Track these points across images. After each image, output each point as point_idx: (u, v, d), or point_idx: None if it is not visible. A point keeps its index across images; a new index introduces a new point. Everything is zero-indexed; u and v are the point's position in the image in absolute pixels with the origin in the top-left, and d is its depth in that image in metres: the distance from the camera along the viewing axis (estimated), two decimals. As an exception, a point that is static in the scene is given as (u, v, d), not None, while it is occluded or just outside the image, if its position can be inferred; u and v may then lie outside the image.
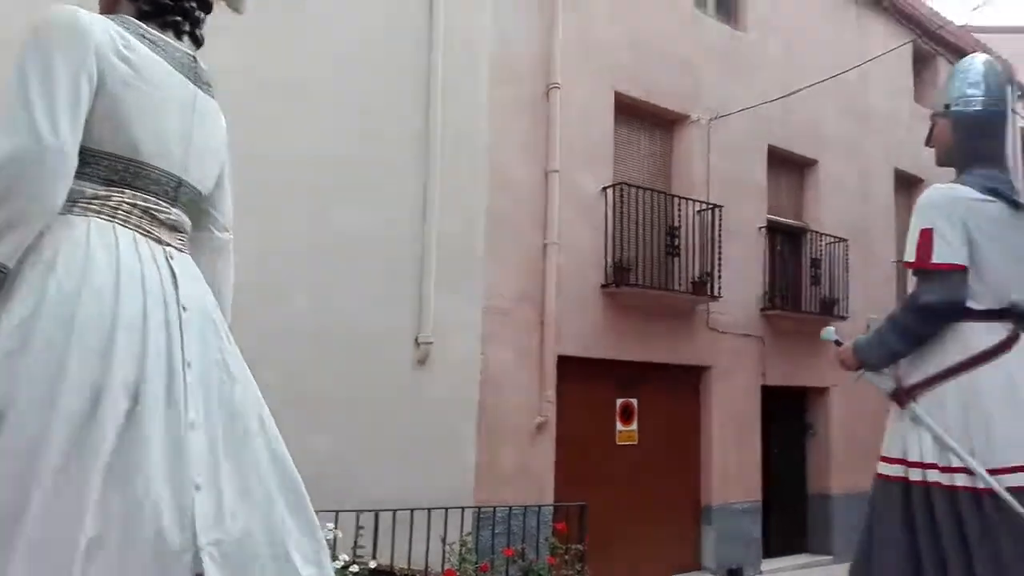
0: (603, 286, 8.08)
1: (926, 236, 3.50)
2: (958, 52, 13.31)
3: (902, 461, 3.35)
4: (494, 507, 6.63)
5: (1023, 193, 3.94)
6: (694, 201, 8.87)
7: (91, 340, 1.42)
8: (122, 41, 1.61)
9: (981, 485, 3.27)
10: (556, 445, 7.59)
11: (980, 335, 3.65)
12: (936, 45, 12.76)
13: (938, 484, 3.26)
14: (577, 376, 7.93)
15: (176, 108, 1.70)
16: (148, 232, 1.62)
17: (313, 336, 6.01)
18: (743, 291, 9.50)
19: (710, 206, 8.92)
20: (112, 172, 1.60)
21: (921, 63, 12.91)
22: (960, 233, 3.55)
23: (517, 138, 7.60)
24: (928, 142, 3.88)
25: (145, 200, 1.63)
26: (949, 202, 3.57)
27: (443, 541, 5.88)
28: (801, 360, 10.22)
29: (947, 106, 4.05)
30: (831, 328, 3.65)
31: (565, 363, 7.74)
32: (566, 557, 6.16)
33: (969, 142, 4.04)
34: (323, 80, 6.32)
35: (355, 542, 5.29)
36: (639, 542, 8.33)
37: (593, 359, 8.06)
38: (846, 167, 11.16)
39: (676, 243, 8.61)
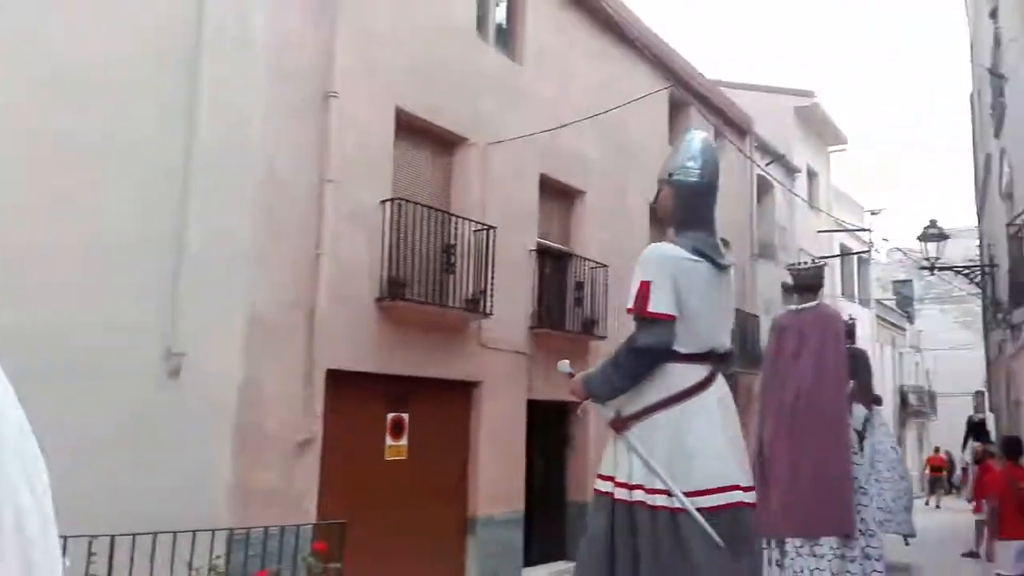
0: (378, 299, 8.04)
1: (644, 287, 4.10)
2: (707, 103, 14.93)
3: (611, 479, 3.85)
4: (248, 529, 6.31)
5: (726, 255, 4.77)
6: (471, 221, 9.11)
7: None
8: None
9: (678, 504, 3.79)
10: (322, 462, 7.38)
11: (685, 374, 4.28)
12: (689, 94, 14.21)
13: (641, 503, 3.76)
14: (348, 390, 7.79)
15: None
16: None
17: (47, 341, 5.39)
18: (513, 310, 9.89)
19: (485, 227, 9.21)
20: None
21: (676, 109, 14.29)
22: (670, 287, 4.17)
23: (293, 142, 7.39)
24: (654, 203, 4.57)
25: None
26: (664, 260, 4.25)
27: (189, 566, 5.50)
28: (564, 376, 10.78)
29: (670, 175, 4.78)
30: (565, 361, 4.03)
31: (336, 377, 7.58)
32: (324, 576, 6.00)
33: (685, 208, 4.76)
34: (86, 69, 5.78)
35: (86, 571, 4.80)
36: (404, 558, 8.30)
37: (365, 373, 7.97)
38: (609, 199, 12.04)
39: (452, 261, 8.79)
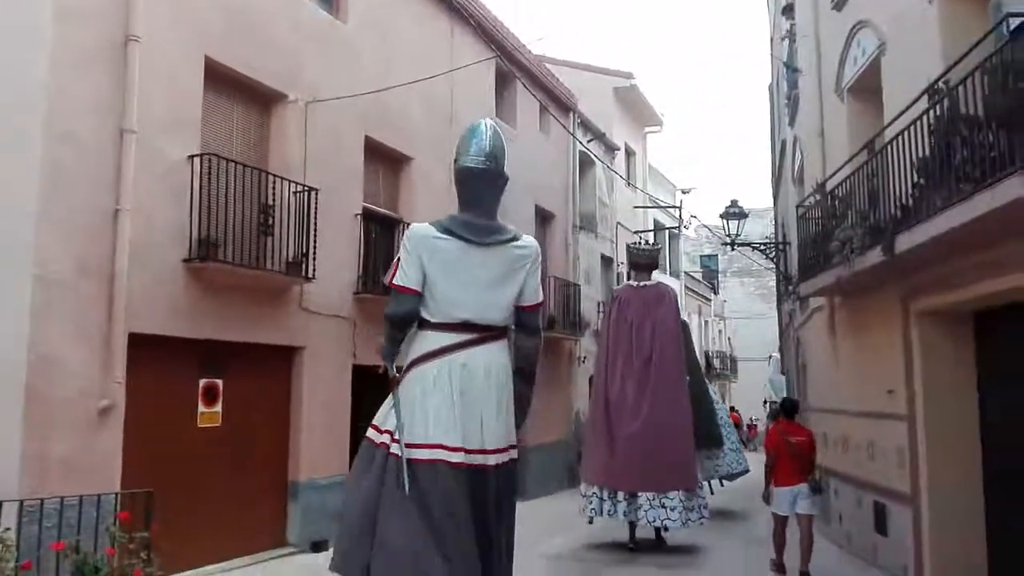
0: (186, 260, 7.55)
1: (396, 262, 4.65)
2: (532, 78, 15.22)
3: (376, 428, 4.53)
4: (42, 499, 5.80)
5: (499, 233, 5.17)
6: (291, 181, 8.76)
7: None
8: None
9: (397, 451, 4.44)
10: (126, 430, 6.87)
11: (432, 340, 4.82)
12: (514, 67, 14.42)
13: (385, 445, 4.44)
14: (154, 356, 7.29)
15: None
16: None
17: None
18: (337, 274, 9.66)
19: (306, 188, 8.89)
20: None
21: (502, 83, 14.47)
22: (415, 263, 4.64)
23: (86, 89, 6.73)
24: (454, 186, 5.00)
25: None
26: (414, 238, 4.68)
27: (-28, 542, 4.99)
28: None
29: (455, 159, 5.25)
30: (380, 337, 4.68)
31: (139, 342, 7.06)
32: (130, 547, 5.65)
33: (463, 190, 5.25)
34: None
35: None
36: (221, 525, 7.95)
37: (173, 338, 7.49)
38: (436, 166, 12.00)
39: (270, 222, 8.41)
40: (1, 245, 5.93)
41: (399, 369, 4.72)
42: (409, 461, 4.47)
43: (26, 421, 6.01)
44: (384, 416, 4.68)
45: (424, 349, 5.08)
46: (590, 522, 9.99)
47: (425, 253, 5.35)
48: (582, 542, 10.11)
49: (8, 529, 5.24)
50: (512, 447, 5.01)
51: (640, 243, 11.92)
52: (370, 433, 4.66)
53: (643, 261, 10.64)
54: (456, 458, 4.81)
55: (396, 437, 4.54)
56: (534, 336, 5.46)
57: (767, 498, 8.22)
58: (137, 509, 6.06)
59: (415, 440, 4.68)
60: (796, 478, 7.90)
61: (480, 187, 5.63)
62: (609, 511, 9.41)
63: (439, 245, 5.34)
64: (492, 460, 4.92)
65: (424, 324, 4.92)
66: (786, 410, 8.75)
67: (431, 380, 5.08)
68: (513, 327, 5.37)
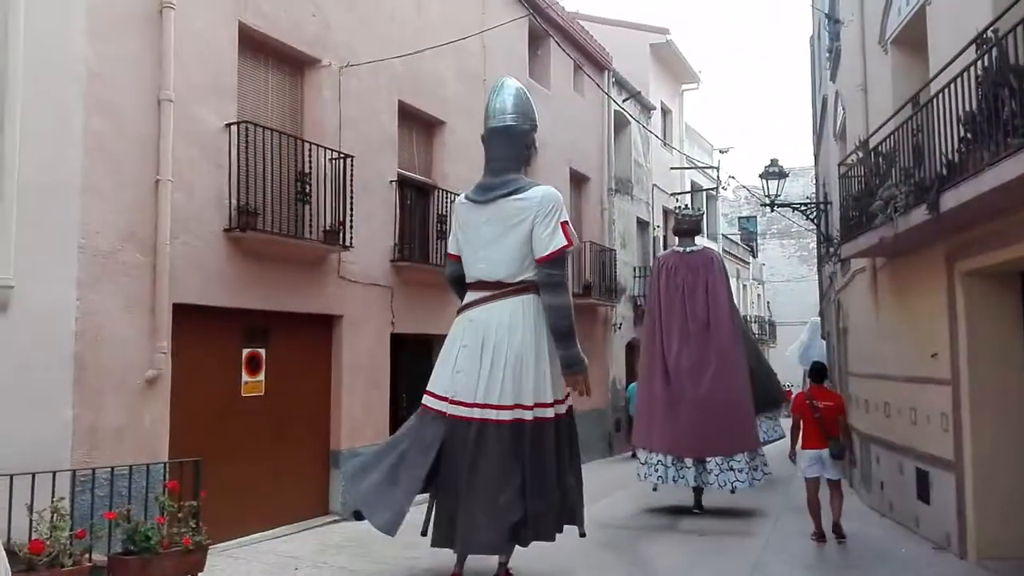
0: (227, 230, 7.65)
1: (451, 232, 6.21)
2: (565, 35, 14.99)
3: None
4: (93, 469, 5.99)
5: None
6: (326, 149, 8.79)
7: None
8: None
9: (427, 403, 6.00)
10: (173, 399, 7.05)
11: (467, 297, 5.99)
12: (548, 26, 14.21)
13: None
14: (198, 326, 7.44)
15: None
16: None
17: None
18: (374, 242, 9.72)
19: (342, 155, 8.92)
20: None
21: (535, 41, 14.28)
22: (454, 230, 6.10)
23: (124, 59, 6.79)
24: None
25: None
26: (456, 207, 6.17)
27: (30, 509, 5.19)
28: (428, 310, 10.79)
29: (485, 119, 6.21)
30: None
31: (183, 312, 7.20)
32: (179, 515, 5.83)
33: (485, 152, 6.23)
34: None
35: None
36: (265, 493, 8.16)
37: (216, 308, 7.62)
38: (470, 130, 11.91)
39: (307, 190, 8.46)
40: (47, 217, 6.04)
41: None
42: (422, 405, 5.84)
43: (76, 392, 6.18)
44: None
45: (460, 306, 6.16)
46: (655, 489, 10.10)
47: (457, 219, 6.21)
48: (624, 511, 10.17)
49: (62, 499, 5.40)
50: (528, 406, 5.59)
51: (683, 208, 12.02)
52: None
53: (687, 227, 10.83)
54: (437, 406, 5.85)
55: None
56: (553, 292, 5.69)
57: (793, 457, 8.55)
58: (185, 478, 6.23)
59: (428, 388, 5.97)
60: (819, 442, 8.09)
61: (496, 145, 6.47)
62: (675, 478, 9.53)
63: (460, 210, 6.15)
64: (479, 414, 5.55)
65: (466, 284, 6.05)
66: (815, 374, 8.95)
67: (451, 335, 6.07)
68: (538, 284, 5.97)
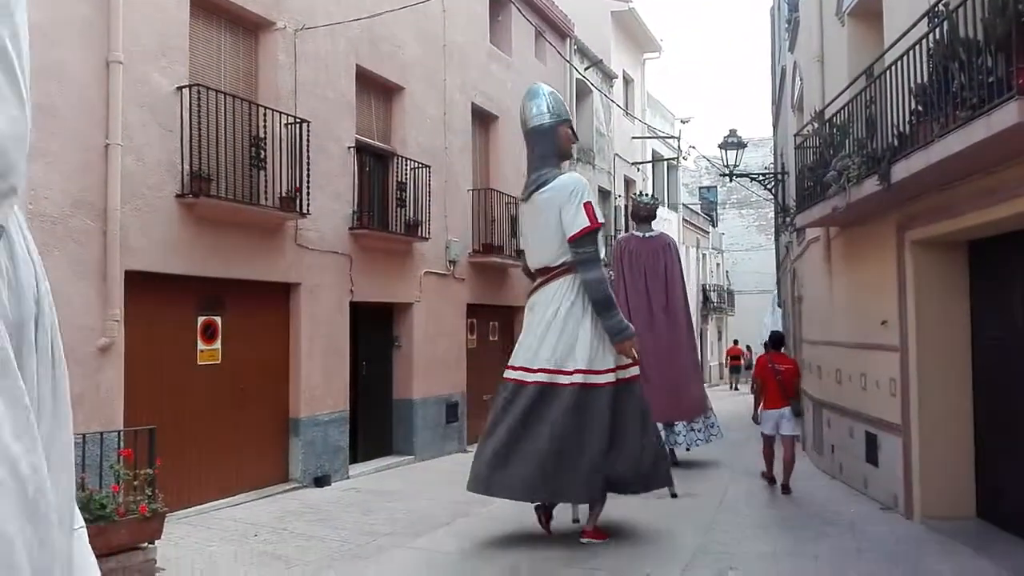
0: (179, 196, 7.49)
1: None
2: (527, 2, 14.80)
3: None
4: (45, 437, 5.87)
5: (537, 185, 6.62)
6: (282, 113, 8.62)
7: None
8: None
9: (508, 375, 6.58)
10: (127, 368, 6.94)
11: (531, 285, 6.71)
12: (508, -8, 14.02)
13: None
14: (151, 293, 7.31)
15: None
16: None
17: None
18: (332, 209, 9.60)
19: (298, 120, 8.76)
20: None
21: (496, 7, 14.09)
22: (522, 226, 6.84)
23: (70, 20, 6.56)
24: None
25: None
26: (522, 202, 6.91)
27: (-24, 481, 5.07)
28: (388, 278, 10.75)
29: (524, 122, 6.96)
30: None
31: (136, 279, 7.07)
32: (135, 484, 5.77)
33: (529, 151, 6.95)
34: None
35: None
36: (223, 461, 8.12)
37: (170, 275, 7.49)
38: (429, 97, 11.81)
39: (262, 156, 8.31)
40: (-10, 182, 5.85)
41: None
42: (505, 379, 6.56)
43: (25, 359, 6.03)
44: None
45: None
46: None
47: (521, 215, 7.24)
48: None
49: (14, 465, 5.30)
50: (572, 371, 6.33)
51: (641, 195, 13.00)
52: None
53: (644, 213, 11.81)
54: (525, 377, 6.51)
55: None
56: (586, 268, 6.40)
57: (756, 419, 9.28)
58: (140, 446, 6.16)
59: (510, 363, 6.62)
60: (781, 402, 8.91)
61: (533, 145, 6.86)
62: None
63: (521, 206, 7.15)
64: (531, 378, 6.43)
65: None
66: (773, 342, 9.85)
67: (525, 319, 6.80)
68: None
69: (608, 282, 6.67)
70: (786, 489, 8.71)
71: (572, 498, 6.62)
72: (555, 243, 6.48)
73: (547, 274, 6.60)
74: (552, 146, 6.77)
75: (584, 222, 6.37)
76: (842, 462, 9.41)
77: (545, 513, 6.63)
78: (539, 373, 6.36)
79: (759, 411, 9.11)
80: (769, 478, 9.16)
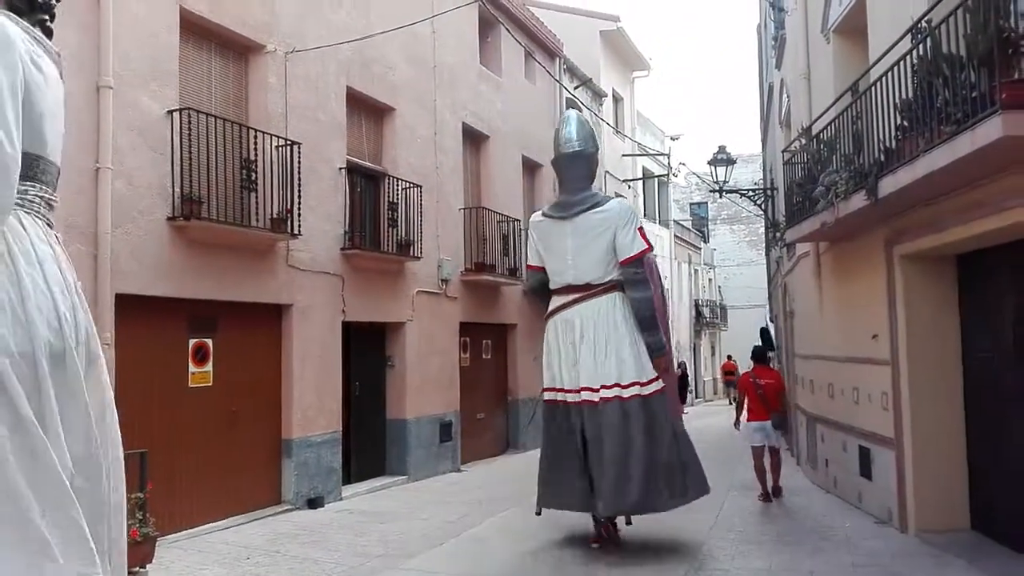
0: (170, 219, 7.50)
1: (528, 246, 7.22)
2: (515, 22, 14.95)
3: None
4: (34, 462, 5.82)
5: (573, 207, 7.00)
6: (272, 136, 8.65)
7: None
8: (31, 48, 1.81)
9: (552, 397, 6.87)
10: (117, 391, 6.85)
11: (552, 303, 6.92)
12: (498, 12, 14.16)
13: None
14: (142, 317, 7.29)
15: (61, 105, 1.93)
16: (47, 220, 1.92)
17: None
18: (323, 230, 9.62)
19: (289, 142, 8.79)
20: (26, 168, 1.80)
21: (486, 29, 14.22)
22: (532, 244, 7.12)
23: (60, 44, 6.52)
24: None
25: (45, 191, 1.90)
26: (531, 225, 7.24)
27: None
28: (380, 297, 10.74)
29: (557, 147, 7.27)
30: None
31: (126, 302, 7.05)
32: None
33: (557, 174, 7.43)
34: None
35: None
36: (215, 484, 8.06)
37: (160, 298, 7.47)
38: (420, 117, 11.87)
39: (253, 178, 8.33)
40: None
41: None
42: (544, 401, 6.86)
43: (15, 383, 6.00)
44: None
45: (548, 311, 7.11)
46: None
47: (534, 233, 7.25)
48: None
49: (3, 490, 5.26)
50: (627, 384, 6.63)
51: None
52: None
53: None
54: (558, 396, 6.84)
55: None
56: (637, 288, 6.76)
57: (737, 426, 10.00)
58: (131, 470, 6.04)
59: (544, 384, 6.93)
60: (762, 415, 9.28)
61: (568, 168, 7.25)
62: None
63: (541, 226, 7.22)
64: (589, 396, 6.66)
65: (551, 291, 7.02)
66: (756, 356, 10.10)
67: (551, 336, 7.05)
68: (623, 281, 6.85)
69: (653, 301, 6.97)
70: (777, 491, 9.26)
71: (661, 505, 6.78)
72: (604, 262, 6.79)
73: (587, 291, 6.81)
74: (589, 171, 7.18)
75: (642, 245, 6.81)
76: (836, 476, 9.40)
77: (610, 522, 6.89)
78: (614, 388, 6.60)
79: (740, 421, 9.74)
80: (764, 495, 9.13)
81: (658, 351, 6.79)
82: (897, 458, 7.21)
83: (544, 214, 7.24)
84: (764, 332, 18.16)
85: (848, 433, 8.77)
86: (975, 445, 6.77)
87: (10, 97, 1.72)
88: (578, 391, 6.65)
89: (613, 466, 6.40)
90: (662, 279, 11.57)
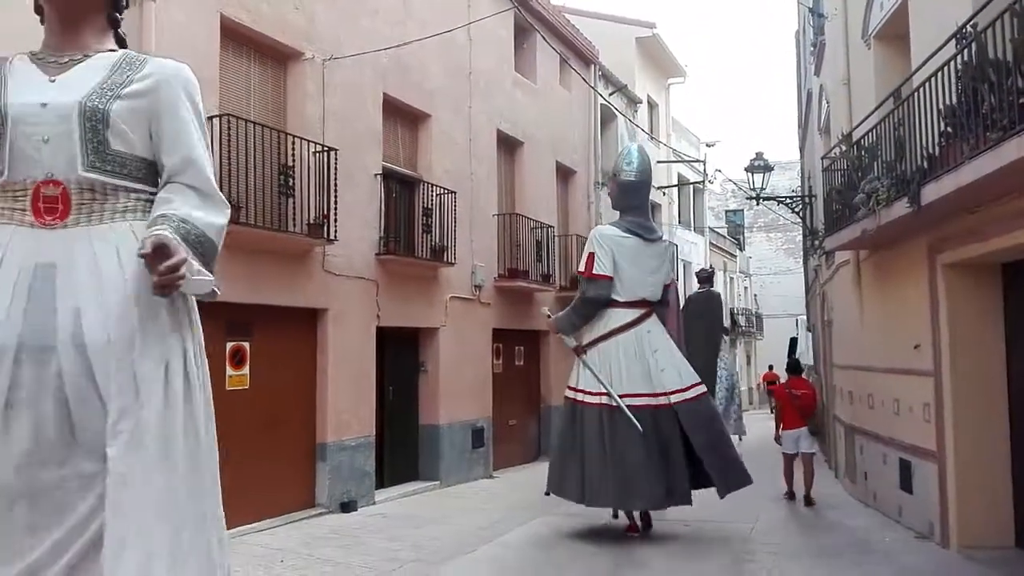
0: (209, 223, 7.60)
1: (591, 257, 7.46)
2: (550, 28, 14.96)
3: (573, 388, 7.34)
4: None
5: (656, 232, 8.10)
6: (310, 142, 8.75)
7: None
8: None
9: (612, 403, 7.03)
10: (155, 393, 7.01)
11: (621, 316, 7.43)
12: (533, 19, 14.18)
13: (583, 402, 7.18)
14: (181, 319, 7.39)
15: None
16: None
17: None
18: (359, 235, 9.69)
19: (326, 148, 8.88)
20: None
21: (521, 35, 14.25)
22: (608, 256, 7.40)
23: (104, 53, 6.73)
24: (608, 194, 8.65)
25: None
26: (604, 237, 7.58)
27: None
28: (414, 303, 10.79)
29: (615, 174, 8.11)
30: (545, 308, 8.92)
31: (166, 305, 7.15)
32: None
33: (624, 198, 8.01)
34: None
35: None
36: (251, 486, 8.12)
37: (199, 301, 7.56)
38: (455, 124, 11.93)
39: (291, 183, 8.43)
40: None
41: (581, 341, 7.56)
42: (629, 407, 7.02)
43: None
44: (575, 377, 7.45)
45: (618, 323, 7.58)
46: None
47: (614, 247, 7.75)
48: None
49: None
50: (689, 387, 7.54)
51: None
52: (566, 392, 7.53)
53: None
54: (652, 401, 7.36)
55: (596, 390, 7.21)
56: (666, 308, 8.05)
57: (778, 439, 10.17)
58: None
59: (622, 391, 7.20)
60: (799, 423, 9.83)
61: (635, 195, 8.14)
62: None
63: (624, 242, 7.89)
64: (674, 398, 7.44)
65: (613, 304, 7.50)
66: (791, 368, 10.80)
67: (628, 345, 7.54)
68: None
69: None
70: (809, 501, 9.52)
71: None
72: (660, 284, 7.93)
73: (651, 307, 7.77)
74: (648, 198, 8.37)
75: (672, 275, 8.25)
76: (876, 490, 9.20)
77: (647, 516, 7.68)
78: (674, 394, 7.45)
79: (780, 432, 10.08)
80: (789, 493, 9.96)
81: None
82: (939, 471, 7.04)
83: (629, 231, 7.85)
84: (793, 342, 18.13)
85: (888, 445, 8.59)
86: (1020, 459, 6.58)
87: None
88: (667, 394, 7.38)
89: (714, 451, 7.30)
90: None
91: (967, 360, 6.83)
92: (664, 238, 8.08)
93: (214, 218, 2.02)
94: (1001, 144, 4.80)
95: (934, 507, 7.13)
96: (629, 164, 8.03)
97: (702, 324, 13.80)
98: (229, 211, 2.07)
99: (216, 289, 1.94)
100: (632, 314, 7.58)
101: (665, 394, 7.29)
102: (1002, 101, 4.91)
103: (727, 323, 19.06)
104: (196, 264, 1.88)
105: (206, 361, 2.08)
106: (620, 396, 7.20)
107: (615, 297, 7.56)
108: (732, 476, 7.43)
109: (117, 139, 2.00)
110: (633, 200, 8.08)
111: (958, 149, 5.54)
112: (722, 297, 14.68)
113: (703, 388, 7.58)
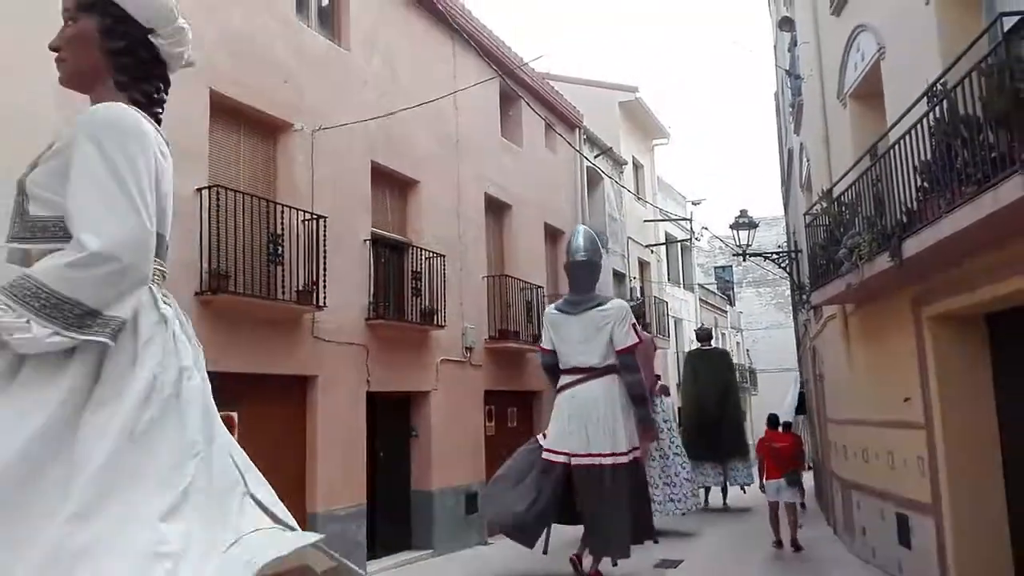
0: (198, 294, 7.63)
1: (543, 334, 8.92)
2: (535, 95, 15.31)
3: (542, 434, 8.60)
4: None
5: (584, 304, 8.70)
6: (298, 210, 8.84)
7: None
8: (158, 138, 2.06)
9: (549, 456, 8.22)
10: (142, 466, 6.90)
11: (562, 380, 8.57)
12: (517, 86, 14.51)
13: (540, 447, 8.39)
14: (169, 390, 7.32)
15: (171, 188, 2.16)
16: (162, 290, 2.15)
17: None
18: (348, 301, 9.71)
19: (315, 216, 8.97)
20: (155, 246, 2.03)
21: (506, 101, 14.56)
22: (546, 331, 8.80)
23: (94, 128, 6.83)
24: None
25: (162, 265, 2.13)
26: (545, 316, 9.01)
27: None
28: (405, 367, 10.75)
29: (567, 257, 9.02)
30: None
31: (154, 376, 7.10)
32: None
33: (570, 277, 8.99)
34: None
35: None
36: (239, 560, 7.94)
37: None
38: (443, 189, 12.08)
39: (280, 251, 8.48)
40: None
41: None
42: (544, 459, 8.10)
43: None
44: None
45: (559, 386, 8.66)
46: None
47: (549, 324, 8.89)
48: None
49: None
50: (622, 452, 8.11)
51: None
52: (539, 436, 8.50)
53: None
54: (562, 459, 8.16)
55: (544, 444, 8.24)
56: (629, 372, 8.48)
57: (762, 488, 11.21)
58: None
59: (548, 446, 8.24)
60: (778, 473, 10.75)
61: (578, 273, 8.92)
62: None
63: (554, 318, 8.92)
64: (599, 461, 8.05)
65: (560, 370, 8.55)
66: (770, 422, 11.77)
67: (560, 407, 8.48)
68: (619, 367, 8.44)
69: (644, 381, 8.69)
70: (796, 546, 10.41)
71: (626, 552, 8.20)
72: (604, 350, 8.41)
73: (590, 372, 8.40)
74: (594, 276, 8.98)
75: (634, 339, 8.47)
76: (874, 546, 9.07)
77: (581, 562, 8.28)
78: (623, 455, 8.15)
79: (763, 481, 11.07)
80: (777, 542, 10.75)
81: (650, 423, 8.68)
82: (936, 525, 6.96)
83: (557, 308, 8.86)
84: (802, 396, 18.61)
85: (885, 500, 8.50)
86: (1017, 509, 6.51)
87: (149, 183, 1.94)
88: (589, 455, 8.07)
89: (606, 518, 7.85)
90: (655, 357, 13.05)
91: (958, 411, 6.82)
92: (603, 306, 8.46)
93: (58, 259, 1.82)
94: (978, 197, 4.90)
95: (933, 562, 7.02)
96: (574, 247, 8.94)
97: (716, 387, 16.02)
98: (94, 244, 1.79)
99: (63, 338, 1.75)
100: (568, 379, 8.57)
101: (584, 455, 8.12)
102: (975, 155, 5.03)
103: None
104: (8, 318, 1.78)
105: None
106: (549, 451, 8.30)
107: (560, 364, 8.71)
108: (613, 547, 8.10)
109: (35, 205, 1.97)
110: (573, 279, 8.94)
111: (935, 204, 5.65)
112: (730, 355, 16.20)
113: (626, 459, 8.14)
